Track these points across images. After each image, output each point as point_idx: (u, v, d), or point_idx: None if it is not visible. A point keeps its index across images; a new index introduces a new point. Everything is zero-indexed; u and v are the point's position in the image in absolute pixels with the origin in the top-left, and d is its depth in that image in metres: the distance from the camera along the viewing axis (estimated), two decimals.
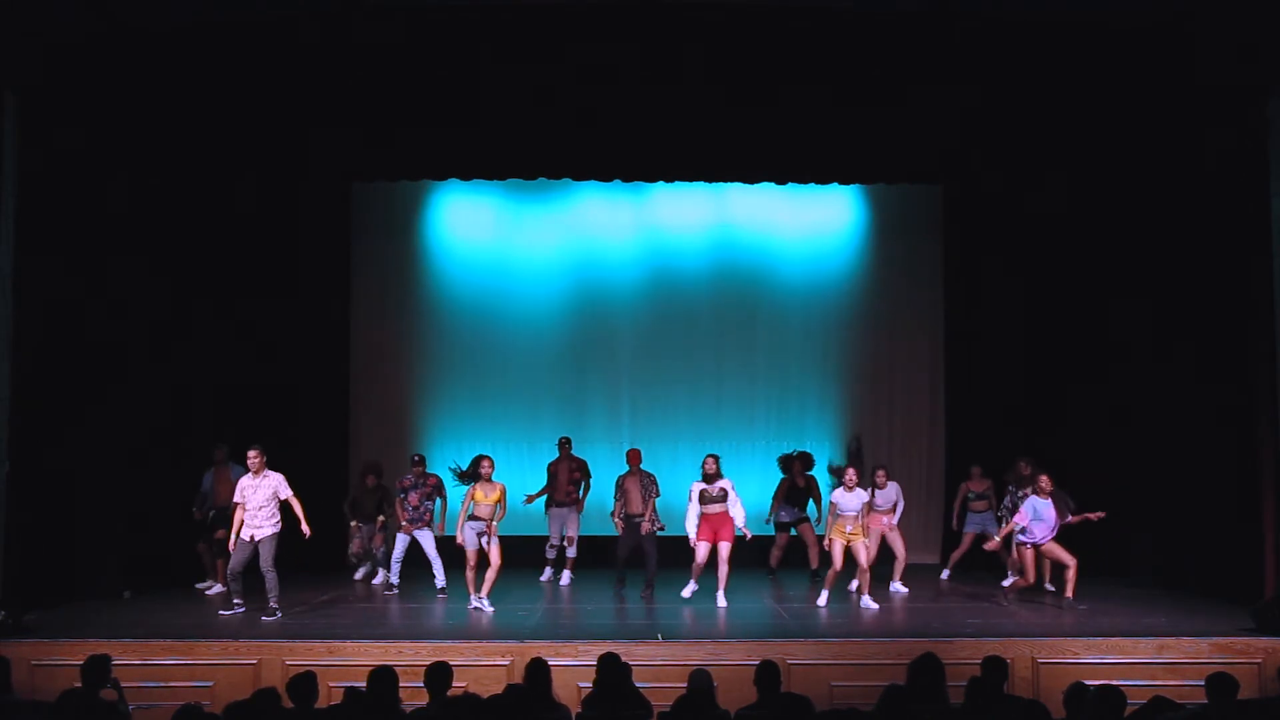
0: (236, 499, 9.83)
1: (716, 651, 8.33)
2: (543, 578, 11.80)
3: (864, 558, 10.34)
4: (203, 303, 11.99)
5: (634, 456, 11.27)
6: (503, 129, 11.13)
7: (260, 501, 9.77)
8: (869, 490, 10.88)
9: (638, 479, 11.03)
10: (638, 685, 6.89)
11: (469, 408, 13.59)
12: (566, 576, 11.74)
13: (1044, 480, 10.26)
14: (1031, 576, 10.41)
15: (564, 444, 11.96)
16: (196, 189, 11.75)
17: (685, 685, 6.60)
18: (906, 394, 13.84)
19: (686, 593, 10.52)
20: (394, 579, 11.18)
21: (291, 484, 9.84)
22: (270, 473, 9.87)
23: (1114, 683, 6.19)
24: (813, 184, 12.93)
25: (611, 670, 6.62)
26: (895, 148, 11.57)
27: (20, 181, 9.27)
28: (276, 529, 9.84)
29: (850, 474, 10.50)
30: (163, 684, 8.05)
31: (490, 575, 10.01)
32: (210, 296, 12.06)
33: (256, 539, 9.79)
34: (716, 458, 10.55)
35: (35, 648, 8.34)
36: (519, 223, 13.77)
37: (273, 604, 9.66)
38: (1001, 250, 13.11)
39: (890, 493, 11.16)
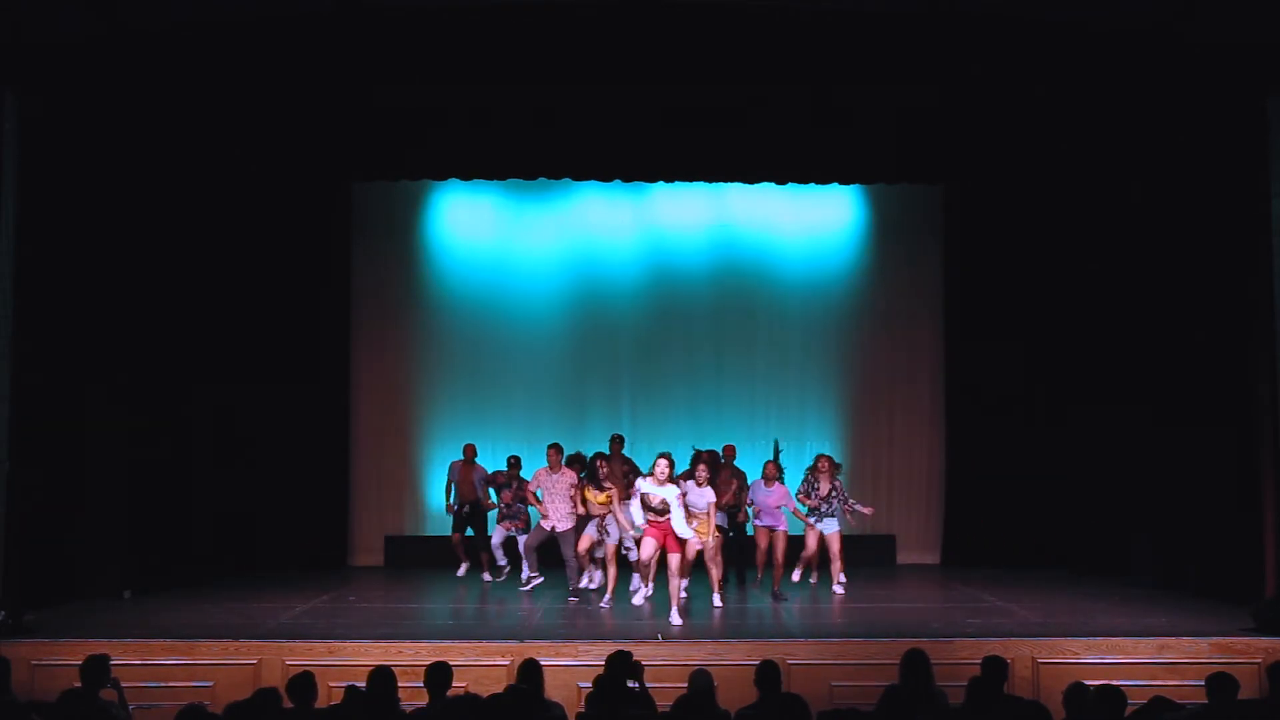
0: (532, 486, 10.68)
1: (716, 651, 8.32)
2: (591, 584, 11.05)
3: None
4: (201, 301, 11.97)
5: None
6: (503, 129, 11.13)
7: (560, 495, 10.55)
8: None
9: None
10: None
11: (469, 407, 13.59)
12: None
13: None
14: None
15: (618, 441, 11.55)
16: (197, 188, 11.74)
17: (685, 685, 6.61)
18: (906, 394, 13.83)
19: (638, 599, 10.24)
20: (500, 560, 11.56)
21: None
22: (567, 470, 10.67)
23: (1114, 683, 6.20)
24: (813, 184, 12.91)
25: (619, 668, 6.63)
26: (895, 148, 11.56)
27: (20, 181, 9.27)
28: (573, 522, 10.57)
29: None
30: (163, 684, 8.03)
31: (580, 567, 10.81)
32: (209, 295, 12.05)
33: (557, 529, 10.56)
34: (670, 461, 9.60)
35: (35, 648, 8.33)
36: (519, 223, 13.78)
37: (573, 587, 10.54)
38: (1001, 250, 13.12)
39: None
